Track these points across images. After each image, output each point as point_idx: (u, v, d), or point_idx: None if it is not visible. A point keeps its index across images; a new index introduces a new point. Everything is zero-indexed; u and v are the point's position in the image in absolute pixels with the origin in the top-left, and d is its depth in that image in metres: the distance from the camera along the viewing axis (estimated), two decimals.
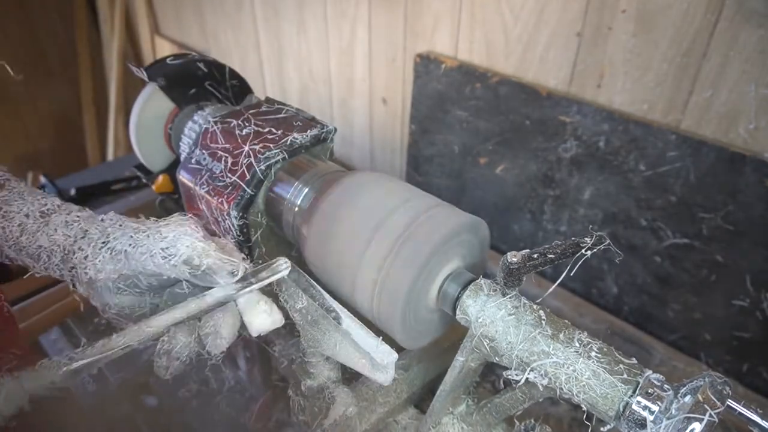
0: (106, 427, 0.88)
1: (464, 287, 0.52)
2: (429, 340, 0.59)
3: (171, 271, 0.49)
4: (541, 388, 0.46)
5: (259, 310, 0.49)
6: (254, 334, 0.50)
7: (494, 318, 0.48)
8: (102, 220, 0.56)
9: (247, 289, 0.49)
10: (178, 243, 0.49)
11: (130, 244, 0.51)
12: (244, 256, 0.52)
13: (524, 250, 0.47)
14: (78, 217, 0.56)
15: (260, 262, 0.68)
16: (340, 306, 0.54)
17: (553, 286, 0.51)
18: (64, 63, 2.16)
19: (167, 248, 0.49)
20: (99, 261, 0.52)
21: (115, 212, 0.57)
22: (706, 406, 0.36)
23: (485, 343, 0.48)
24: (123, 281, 0.52)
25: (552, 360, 0.44)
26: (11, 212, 0.56)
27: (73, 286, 0.55)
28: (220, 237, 0.56)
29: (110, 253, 0.51)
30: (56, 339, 1.04)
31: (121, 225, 0.54)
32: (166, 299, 0.54)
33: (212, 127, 0.69)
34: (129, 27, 2.11)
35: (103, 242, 0.52)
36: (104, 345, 0.46)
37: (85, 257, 0.52)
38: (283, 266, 0.52)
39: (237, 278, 0.49)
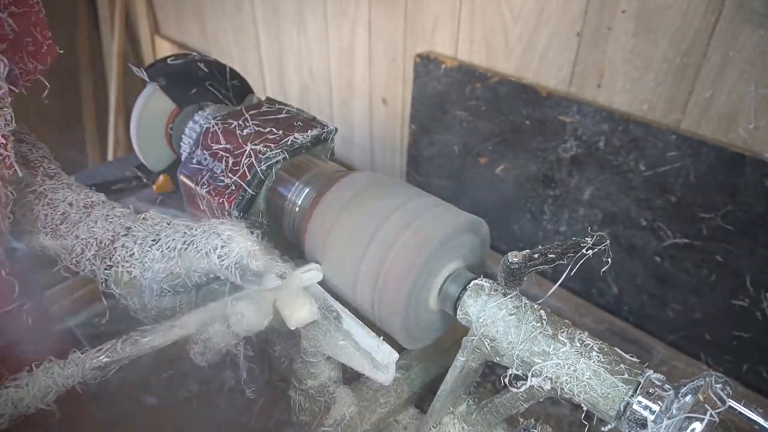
0: (106, 427, 0.88)
1: (465, 287, 0.52)
2: (430, 340, 0.59)
3: (222, 271, 0.49)
4: (544, 390, 0.46)
5: (299, 304, 0.51)
6: (292, 327, 0.51)
7: (495, 318, 0.48)
8: (144, 218, 0.55)
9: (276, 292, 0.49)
10: (232, 243, 0.49)
11: (183, 242, 0.51)
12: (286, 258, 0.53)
13: (525, 250, 0.47)
14: (120, 213, 0.56)
15: None
16: (341, 306, 0.54)
17: (555, 286, 0.51)
18: (64, 63, 2.16)
19: (222, 247, 0.49)
20: (148, 259, 0.51)
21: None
22: (706, 405, 0.36)
23: (486, 343, 0.48)
24: (170, 281, 0.51)
25: (553, 360, 0.44)
26: (56, 200, 0.57)
27: (104, 285, 0.54)
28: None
29: (161, 252, 0.51)
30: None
31: (169, 223, 0.54)
32: (202, 295, 0.54)
33: (213, 127, 0.69)
34: (129, 27, 2.11)
35: (153, 240, 0.52)
36: (135, 343, 0.45)
37: (131, 255, 0.52)
38: (316, 271, 0.53)
39: (285, 280, 0.49)
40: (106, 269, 0.53)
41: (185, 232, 0.52)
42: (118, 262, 0.52)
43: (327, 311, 0.53)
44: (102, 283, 0.54)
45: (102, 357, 0.43)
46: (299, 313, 0.50)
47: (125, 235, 0.53)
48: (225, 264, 0.49)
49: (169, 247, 0.51)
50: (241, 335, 0.50)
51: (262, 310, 0.49)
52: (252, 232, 0.53)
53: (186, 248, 0.50)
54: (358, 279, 0.55)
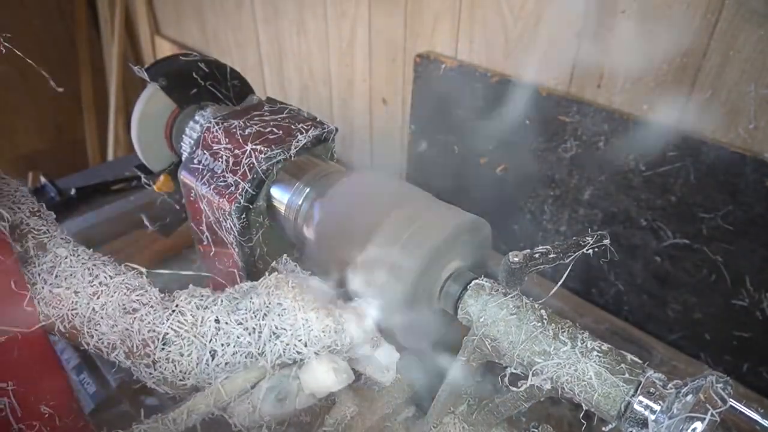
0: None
1: (466, 287, 0.52)
2: (431, 340, 0.59)
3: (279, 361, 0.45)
4: (544, 390, 0.46)
5: (323, 370, 0.45)
6: (318, 396, 0.46)
7: (496, 318, 0.48)
8: (173, 312, 0.46)
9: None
10: (312, 332, 0.44)
11: (254, 349, 0.44)
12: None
13: (526, 250, 0.47)
14: (137, 307, 0.46)
15: (260, 263, 0.68)
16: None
17: (557, 286, 0.51)
18: (64, 63, 2.16)
19: (301, 345, 0.44)
20: (200, 371, 0.44)
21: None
22: (707, 405, 0.36)
23: (487, 343, 0.48)
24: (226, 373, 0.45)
25: (554, 360, 0.44)
26: (60, 285, 0.48)
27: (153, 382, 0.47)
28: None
29: (215, 360, 0.43)
30: (56, 339, 1.04)
31: (218, 320, 0.44)
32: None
33: (214, 127, 0.69)
34: (129, 27, 2.11)
35: (212, 352, 0.43)
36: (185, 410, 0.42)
37: (180, 369, 0.44)
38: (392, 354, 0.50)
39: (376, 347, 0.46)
40: (149, 375, 0.46)
41: (240, 336, 0.44)
42: (165, 372, 0.45)
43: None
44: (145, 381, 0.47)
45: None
46: (322, 380, 0.45)
47: (165, 343, 0.45)
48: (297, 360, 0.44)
49: (223, 356, 0.44)
50: (319, 397, 0.46)
51: (340, 368, 0.45)
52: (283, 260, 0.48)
53: (255, 358, 0.43)
54: (359, 279, 0.55)
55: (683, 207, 0.88)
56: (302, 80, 1.54)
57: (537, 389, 0.46)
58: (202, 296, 0.47)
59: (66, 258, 0.50)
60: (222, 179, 0.65)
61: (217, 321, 0.45)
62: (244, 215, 0.64)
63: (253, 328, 0.44)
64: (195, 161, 0.69)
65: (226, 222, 0.65)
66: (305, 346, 0.44)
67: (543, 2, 0.94)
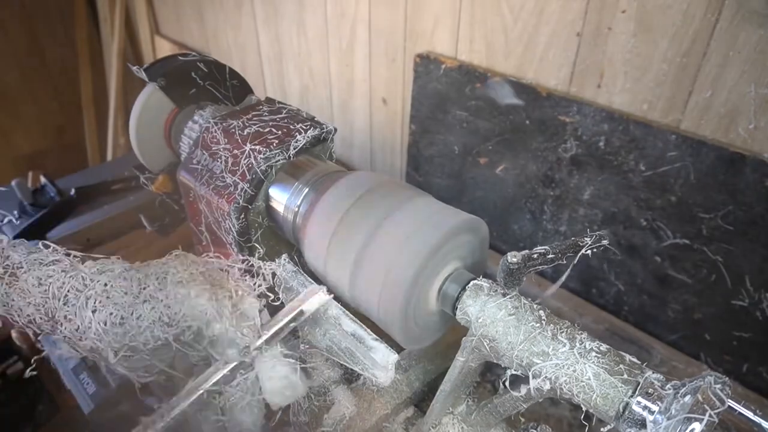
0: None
1: (464, 287, 0.52)
2: (429, 340, 0.59)
3: (174, 339, 0.45)
4: (543, 390, 0.46)
5: (279, 381, 0.46)
6: (274, 408, 0.46)
7: (494, 318, 0.48)
8: (82, 276, 0.48)
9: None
10: (183, 308, 0.44)
11: (126, 312, 0.45)
12: (260, 308, 0.48)
13: (524, 250, 0.47)
14: (51, 273, 0.49)
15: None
16: (341, 306, 0.54)
17: (556, 286, 0.51)
18: (64, 63, 2.16)
19: (171, 316, 0.44)
20: (93, 333, 0.45)
21: (119, 258, 0.50)
22: (706, 406, 0.36)
23: (485, 344, 0.48)
24: (126, 349, 0.46)
25: (552, 361, 0.44)
26: None
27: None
28: (230, 274, 0.51)
29: (102, 325, 0.45)
30: (56, 340, 1.04)
31: (106, 285, 0.47)
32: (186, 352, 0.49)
33: (213, 127, 0.69)
34: (129, 27, 2.11)
35: (93, 310, 0.46)
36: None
37: (76, 329, 0.46)
38: (323, 297, 0.48)
39: (245, 355, 0.45)
40: (65, 340, 0.48)
41: (129, 297, 0.46)
42: (67, 335, 0.47)
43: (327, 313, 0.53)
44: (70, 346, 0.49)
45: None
46: (278, 393, 0.46)
47: (65, 303, 0.47)
48: (173, 334, 0.44)
49: (111, 322, 0.45)
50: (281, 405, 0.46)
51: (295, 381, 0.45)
52: (208, 286, 0.47)
53: (131, 318, 0.45)
54: (358, 279, 0.55)
55: (683, 207, 0.88)
56: (302, 80, 1.54)
57: (536, 390, 0.46)
58: (105, 264, 0.49)
59: None
60: (221, 179, 0.65)
61: (105, 285, 0.47)
62: (242, 215, 0.64)
63: (134, 294, 0.46)
64: (194, 161, 0.69)
65: (224, 222, 0.65)
66: (168, 320, 0.44)
67: (543, 2, 0.94)
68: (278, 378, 0.46)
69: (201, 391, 0.44)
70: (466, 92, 1.09)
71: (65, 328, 0.47)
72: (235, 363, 0.44)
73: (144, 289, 0.46)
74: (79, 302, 0.47)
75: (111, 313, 0.45)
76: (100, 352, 0.47)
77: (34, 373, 0.55)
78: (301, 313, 0.48)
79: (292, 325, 0.47)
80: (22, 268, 0.50)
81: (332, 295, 0.52)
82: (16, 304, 0.48)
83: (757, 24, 0.74)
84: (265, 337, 0.46)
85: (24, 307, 0.48)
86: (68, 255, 0.51)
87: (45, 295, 0.48)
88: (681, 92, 0.85)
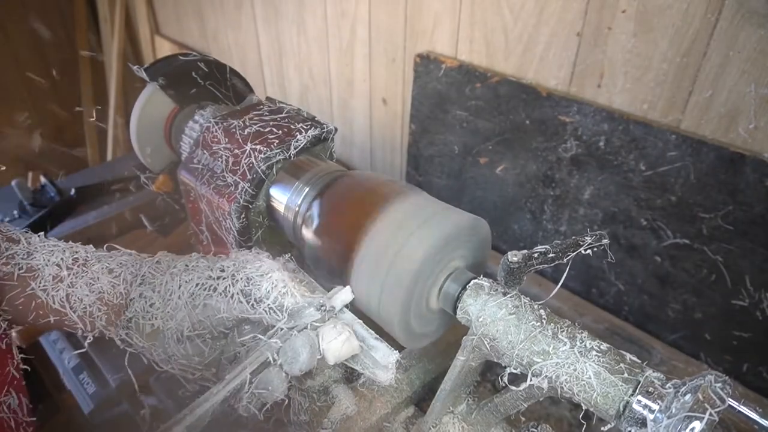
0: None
1: (465, 286, 0.52)
2: (430, 339, 0.59)
3: (255, 314, 0.46)
4: (544, 389, 0.46)
5: (338, 338, 0.47)
6: (331, 363, 0.47)
7: (495, 317, 0.48)
8: (158, 261, 0.50)
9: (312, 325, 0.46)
10: (262, 283, 0.46)
11: (207, 287, 0.47)
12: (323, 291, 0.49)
13: (524, 250, 0.47)
14: (125, 261, 0.51)
15: None
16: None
17: (557, 287, 0.51)
18: (64, 63, 2.16)
19: (251, 290, 0.46)
20: (170, 308, 0.47)
21: (166, 251, 0.52)
22: (706, 404, 0.36)
23: (486, 343, 0.48)
24: (196, 329, 0.47)
25: (553, 360, 0.44)
26: (38, 265, 0.49)
27: (123, 342, 0.49)
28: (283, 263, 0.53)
29: (182, 300, 0.47)
30: (56, 339, 1.04)
31: (188, 266, 0.49)
32: (229, 340, 0.50)
33: (213, 126, 0.69)
34: (129, 27, 2.11)
35: (178, 284, 0.47)
36: (193, 412, 0.42)
37: (151, 305, 0.47)
38: (348, 295, 0.50)
39: (323, 310, 0.46)
40: (126, 326, 0.48)
41: (208, 275, 0.47)
42: (138, 314, 0.48)
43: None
44: (120, 340, 0.50)
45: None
46: (339, 348, 0.47)
47: (141, 283, 0.49)
48: (258, 308, 0.45)
49: (192, 294, 0.47)
50: (295, 375, 0.47)
51: (314, 345, 0.46)
52: (285, 259, 0.49)
53: (211, 294, 0.46)
54: (358, 278, 0.55)
55: (683, 207, 0.88)
56: (302, 80, 1.54)
57: (536, 389, 0.46)
58: (178, 254, 0.51)
59: (41, 244, 0.52)
60: (222, 179, 0.65)
61: (186, 265, 0.49)
62: (243, 215, 0.64)
63: (218, 272, 0.48)
64: (194, 161, 0.69)
65: (225, 222, 0.65)
66: (245, 297, 0.46)
67: (543, 2, 0.94)
68: (337, 336, 0.47)
69: (275, 342, 0.45)
70: (466, 92, 1.09)
71: (136, 307, 0.48)
72: (315, 319, 0.46)
73: (222, 264, 0.48)
74: (159, 279, 0.48)
75: (198, 284, 0.47)
76: (165, 333, 0.47)
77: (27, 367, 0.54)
78: (332, 309, 0.49)
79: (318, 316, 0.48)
80: (90, 260, 0.51)
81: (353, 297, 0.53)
82: (77, 292, 0.49)
83: (757, 24, 0.74)
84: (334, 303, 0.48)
85: (86, 296, 0.49)
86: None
87: (116, 281, 0.49)
88: (681, 92, 0.85)
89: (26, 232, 0.54)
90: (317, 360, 0.47)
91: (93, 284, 0.49)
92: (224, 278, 0.47)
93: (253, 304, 0.46)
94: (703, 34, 0.79)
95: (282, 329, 0.46)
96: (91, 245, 0.54)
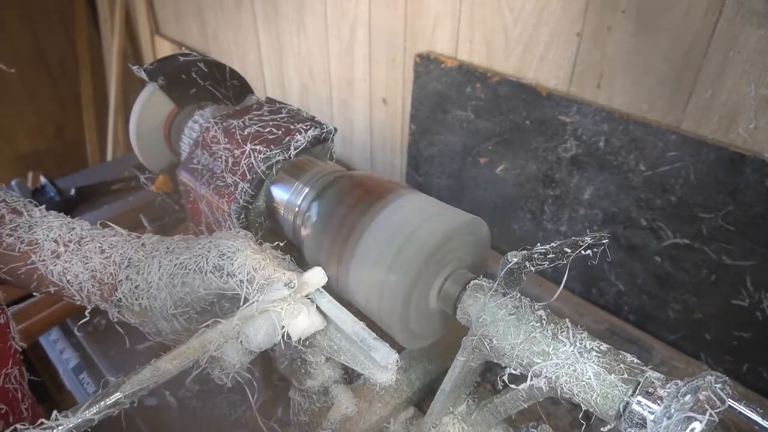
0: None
1: (464, 287, 0.52)
2: (430, 340, 0.59)
3: (228, 288, 0.48)
4: (543, 390, 0.46)
5: (301, 313, 0.48)
6: (294, 338, 0.48)
7: (495, 318, 0.48)
8: (143, 244, 0.53)
9: (283, 302, 0.47)
10: (234, 258, 0.48)
11: (183, 267, 0.49)
12: (290, 260, 0.51)
13: (524, 250, 0.47)
14: (115, 242, 0.54)
15: None
16: (341, 306, 0.54)
17: (560, 289, 0.51)
18: (64, 63, 2.16)
19: (223, 265, 0.48)
20: (153, 288, 0.50)
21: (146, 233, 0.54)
22: (706, 405, 0.36)
23: (486, 343, 0.48)
24: (178, 306, 0.50)
25: (553, 360, 0.44)
26: (38, 239, 0.53)
27: (118, 319, 0.52)
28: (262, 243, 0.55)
29: (166, 277, 0.49)
30: (56, 339, 1.04)
31: (168, 249, 0.52)
32: (214, 313, 0.53)
33: (213, 127, 0.69)
34: (129, 27, 2.11)
35: (158, 266, 0.50)
36: (154, 370, 0.43)
37: (136, 287, 0.50)
38: (320, 276, 0.50)
39: (293, 289, 0.47)
40: (115, 303, 0.52)
41: (187, 255, 0.50)
42: (126, 295, 0.51)
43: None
44: (114, 318, 0.53)
45: (118, 395, 0.41)
46: (301, 323, 0.48)
47: (127, 266, 0.52)
48: (230, 281, 0.47)
49: (171, 274, 0.49)
50: (255, 352, 0.48)
51: (274, 324, 0.47)
52: (255, 240, 0.51)
53: (187, 273, 0.49)
54: (358, 278, 0.55)
55: (683, 207, 0.88)
56: (302, 80, 1.54)
57: (536, 389, 0.46)
58: (162, 237, 0.54)
59: (41, 217, 0.55)
60: (221, 179, 0.65)
61: (167, 247, 0.52)
62: (243, 215, 0.64)
63: (196, 250, 0.50)
64: (194, 161, 0.69)
65: (225, 222, 0.65)
66: (221, 270, 0.48)
67: (543, 2, 0.94)
68: (299, 314, 0.48)
69: (237, 323, 0.46)
70: (466, 92, 1.09)
71: (124, 289, 0.50)
72: (285, 295, 0.47)
73: (199, 243, 0.51)
74: (143, 263, 0.51)
75: (176, 264, 0.49)
76: (153, 311, 0.50)
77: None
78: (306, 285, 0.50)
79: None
80: (85, 238, 0.54)
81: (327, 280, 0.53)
82: (73, 269, 0.52)
83: (757, 24, 0.74)
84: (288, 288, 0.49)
85: (81, 273, 0.52)
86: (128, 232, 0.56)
87: (106, 261, 0.52)
88: (681, 92, 0.85)
89: (30, 202, 0.57)
90: (279, 338, 0.48)
91: (87, 263, 0.52)
92: (200, 256, 0.49)
93: (225, 279, 0.48)
94: (703, 34, 0.79)
95: (246, 305, 0.47)
96: (86, 222, 0.56)
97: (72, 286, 0.52)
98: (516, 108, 1.03)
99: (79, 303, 0.55)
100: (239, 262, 0.48)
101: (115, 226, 0.56)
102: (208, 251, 0.49)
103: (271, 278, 0.47)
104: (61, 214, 0.57)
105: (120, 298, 0.51)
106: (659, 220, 0.92)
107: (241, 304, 0.47)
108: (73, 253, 0.53)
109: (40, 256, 0.52)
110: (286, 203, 0.64)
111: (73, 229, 0.55)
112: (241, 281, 0.47)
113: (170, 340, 0.53)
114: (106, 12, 2.08)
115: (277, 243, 0.56)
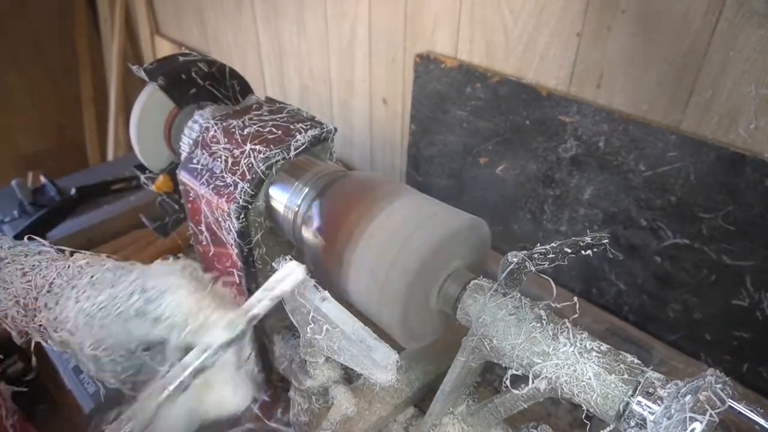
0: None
1: (465, 287, 0.52)
2: (430, 340, 0.59)
3: (151, 336, 0.42)
4: (542, 390, 0.46)
5: (226, 392, 0.42)
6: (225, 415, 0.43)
7: (495, 318, 0.48)
8: (68, 266, 0.46)
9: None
10: (161, 300, 0.42)
11: (99, 309, 0.43)
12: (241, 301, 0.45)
13: (524, 250, 0.47)
14: (38, 261, 0.47)
15: (260, 263, 0.68)
16: (340, 306, 0.54)
17: (573, 297, 0.51)
18: (64, 63, 2.16)
19: (144, 310, 0.42)
20: (71, 325, 0.43)
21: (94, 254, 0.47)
22: (706, 405, 0.36)
23: (486, 343, 0.48)
24: (97, 348, 0.43)
25: (553, 360, 0.44)
26: None
27: (43, 339, 0.46)
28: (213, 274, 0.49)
29: (82, 316, 0.43)
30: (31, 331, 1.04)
31: (91, 280, 0.45)
32: (148, 362, 0.45)
33: (213, 126, 0.69)
34: (129, 27, 2.11)
35: (75, 300, 0.44)
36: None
37: (54, 318, 0.44)
38: (295, 271, 0.45)
39: (233, 330, 0.41)
40: (39, 332, 0.46)
41: (103, 296, 0.43)
42: (44, 325, 0.45)
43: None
44: (42, 340, 0.47)
45: None
46: (228, 402, 0.42)
47: (48, 291, 0.45)
48: (156, 328, 0.41)
49: (87, 314, 0.43)
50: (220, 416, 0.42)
51: (193, 413, 0.41)
52: (188, 280, 0.44)
53: (106, 315, 0.42)
54: (358, 278, 0.55)
55: (683, 207, 0.88)
56: (302, 80, 1.54)
57: (537, 390, 0.46)
58: (94, 257, 0.47)
59: None
60: (221, 179, 0.65)
61: (91, 276, 0.45)
62: (242, 215, 0.64)
63: (121, 290, 0.44)
64: (194, 161, 0.69)
65: (225, 222, 0.65)
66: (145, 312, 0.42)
67: (543, 2, 0.94)
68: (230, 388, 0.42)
69: (182, 378, 0.40)
70: (466, 92, 1.09)
71: (43, 317, 0.45)
72: (224, 341, 0.41)
73: (125, 280, 0.44)
74: (64, 292, 0.45)
75: (94, 304, 0.43)
76: (72, 347, 0.44)
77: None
78: (279, 294, 0.45)
79: (269, 306, 0.44)
80: (5, 259, 0.48)
81: (309, 274, 0.49)
82: None
83: (757, 24, 0.74)
84: (249, 316, 0.43)
85: (4, 299, 0.46)
86: (60, 251, 0.50)
87: (28, 285, 0.46)
88: (681, 92, 0.85)
89: None
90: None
91: (8, 288, 0.46)
92: (121, 297, 0.43)
93: (151, 325, 0.42)
94: (703, 34, 0.79)
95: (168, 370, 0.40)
96: (7, 238, 0.51)
97: None
98: (516, 108, 1.03)
99: (10, 331, 0.48)
100: (168, 305, 0.42)
101: (43, 242, 0.50)
102: (131, 292, 0.43)
103: (208, 322, 0.41)
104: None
105: (41, 325, 0.45)
106: (659, 220, 0.92)
107: (166, 353, 0.42)
108: None
109: None
110: (286, 203, 0.64)
111: None
112: (171, 326, 0.41)
113: (101, 378, 0.46)
114: (106, 12, 2.08)
115: (290, 255, 0.51)
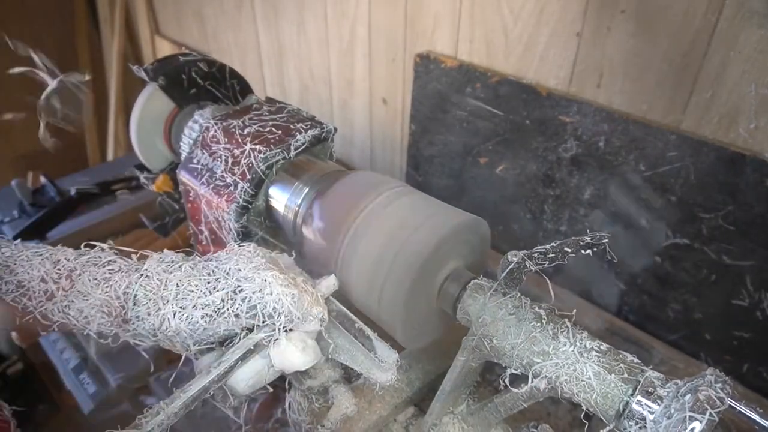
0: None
1: (465, 287, 0.52)
2: (429, 339, 0.59)
3: (260, 329, 0.46)
4: (542, 389, 0.46)
5: (292, 349, 0.46)
6: (287, 373, 0.48)
7: (495, 317, 0.48)
8: (146, 276, 0.47)
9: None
10: (265, 300, 0.45)
11: (205, 312, 0.45)
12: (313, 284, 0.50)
13: (524, 250, 0.47)
14: (112, 270, 0.48)
15: None
16: (341, 305, 0.54)
17: (584, 304, 0.51)
18: (64, 63, 2.16)
19: (252, 307, 0.45)
20: (171, 331, 0.46)
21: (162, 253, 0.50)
22: (706, 405, 0.36)
23: (486, 343, 0.48)
24: (198, 343, 0.47)
25: (553, 360, 0.44)
26: (24, 280, 0.47)
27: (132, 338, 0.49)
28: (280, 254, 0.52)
29: (185, 325, 0.45)
30: (56, 340, 1.04)
31: (178, 287, 0.46)
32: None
33: (213, 126, 0.69)
34: (129, 27, 2.11)
35: (174, 312, 0.46)
36: (179, 401, 0.43)
37: (152, 325, 0.46)
38: (333, 283, 0.51)
39: (324, 323, 0.46)
40: (131, 334, 0.48)
41: (204, 299, 0.45)
42: (139, 330, 0.47)
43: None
44: (130, 339, 0.49)
45: (149, 428, 0.41)
46: (294, 359, 0.47)
47: (134, 304, 0.47)
48: (267, 325, 0.45)
49: (190, 321, 0.45)
50: (287, 373, 0.47)
51: (262, 372, 0.47)
52: (280, 272, 0.47)
53: (212, 319, 0.45)
54: (358, 278, 0.55)
55: (683, 207, 0.88)
56: (302, 80, 1.54)
57: (536, 389, 0.46)
58: (171, 262, 0.49)
59: (16, 252, 0.49)
60: (221, 179, 0.65)
61: (177, 285, 0.47)
62: (243, 215, 0.64)
63: (213, 289, 0.47)
64: (194, 161, 0.69)
65: (225, 222, 0.65)
66: (265, 309, 0.46)
67: (543, 2, 0.94)
68: (298, 347, 0.47)
69: (253, 350, 0.46)
70: (466, 92, 1.09)
71: (138, 327, 0.47)
72: (317, 328, 0.47)
73: (218, 282, 0.47)
74: (153, 304, 0.47)
75: (194, 317, 0.46)
76: (170, 342, 0.48)
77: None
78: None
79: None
80: (75, 271, 0.48)
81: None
82: (75, 305, 0.47)
83: (757, 24, 0.74)
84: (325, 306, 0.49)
85: (85, 308, 0.47)
86: (116, 254, 0.51)
87: (107, 296, 0.47)
88: (681, 92, 0.85)
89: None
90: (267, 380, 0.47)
91: (86, 299, 0.47)
92: (226, 301, 0.46)
93: (262, 321, 0.46)
94: (703, 34, 0.79)
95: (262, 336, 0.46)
96: (69, 249, 0.50)
97: (78, 320, 0.48)
98: (516, 108, 1.03)
99: (89, 332, 0.50)
100: (275, 303, 0.45)
101: (107, 249, 0.50)
102: (234, 294, 0.46)
103: (305, 313, 0.46)
104: (34, 242, 0.52)
105: (134, 329, 0.48)
106: (659, 220, 0.92)
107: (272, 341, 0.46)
108: (67, 291, 0.47)
109: (33, 300, 0.47)
110: (286, 203, 0.64)
111: (58, 260, 0.49)
112: (277, 325, 0.45)
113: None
114: (106, 12, 2.08)
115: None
